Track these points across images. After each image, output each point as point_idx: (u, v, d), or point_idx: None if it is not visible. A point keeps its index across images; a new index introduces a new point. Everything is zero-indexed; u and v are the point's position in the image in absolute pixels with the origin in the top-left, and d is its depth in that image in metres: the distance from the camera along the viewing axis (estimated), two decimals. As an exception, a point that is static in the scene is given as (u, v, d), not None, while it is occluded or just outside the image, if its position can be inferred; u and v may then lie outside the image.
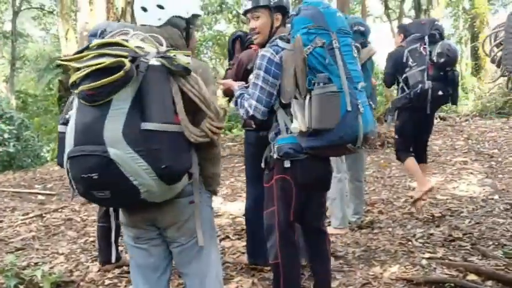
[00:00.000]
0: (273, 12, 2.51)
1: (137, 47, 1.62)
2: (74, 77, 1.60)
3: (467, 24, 18.44)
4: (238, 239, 4.03)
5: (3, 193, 6.43)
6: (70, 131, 1.65)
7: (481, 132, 8.64)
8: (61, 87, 11.48)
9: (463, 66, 18.64)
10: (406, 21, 17.59)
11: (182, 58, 1.66)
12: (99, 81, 1.51)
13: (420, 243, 3.66)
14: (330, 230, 3.44)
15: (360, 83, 2.29)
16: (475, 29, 16.26)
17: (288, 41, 2.33)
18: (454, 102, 4.34)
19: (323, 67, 2.19)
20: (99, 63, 1.54)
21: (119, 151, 1.53)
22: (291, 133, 2.30)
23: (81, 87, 1.56)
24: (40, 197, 6.26)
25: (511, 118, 9.90)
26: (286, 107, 2.30)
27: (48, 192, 6.49)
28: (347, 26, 2.39)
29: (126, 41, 1.65)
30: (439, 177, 5.86)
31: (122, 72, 1.50)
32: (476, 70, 16.10)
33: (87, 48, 1.69)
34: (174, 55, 1.65)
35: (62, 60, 1.75)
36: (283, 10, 2.53)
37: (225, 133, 15.89)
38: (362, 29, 3.87)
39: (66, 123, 1.78)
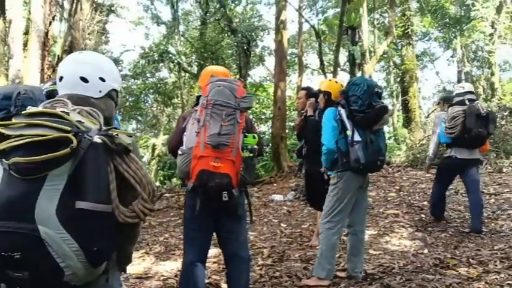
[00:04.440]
0: None
1: (78, 121, 1.54)
2: (4, 145, 1.46)
3: (398, 78, 19.54)
4: (169, 304, 3.84)
5: None
6: None
7: (412, 183, 8.96)
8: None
9: (395, 119, 19.65)
10: (341, 74, 18.41)
11: (124, 138, 1.60)
12: (43, 156, 1.40)
13: (353, 303, 3.66)
14: None
15: None
16: (405, 83, 17.27)
17: None
18: None
19: None
20: (41, 135, 1.44)
21: (50, 230, 1.41)
22: None
23: (16, 159, 1.42)
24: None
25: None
26: None
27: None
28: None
29: (67, 113, 1.55)
30: (372, 230, 5.97)
31: (68, 149, 1.42)
32: (407, 122, 16.97)
33: (16, 114, 1.58)
34: (117, 134, 1.58)
35: None
36: None
37: (164, 182, 15.58)
38: (380, 91, 4.07)
39: None
